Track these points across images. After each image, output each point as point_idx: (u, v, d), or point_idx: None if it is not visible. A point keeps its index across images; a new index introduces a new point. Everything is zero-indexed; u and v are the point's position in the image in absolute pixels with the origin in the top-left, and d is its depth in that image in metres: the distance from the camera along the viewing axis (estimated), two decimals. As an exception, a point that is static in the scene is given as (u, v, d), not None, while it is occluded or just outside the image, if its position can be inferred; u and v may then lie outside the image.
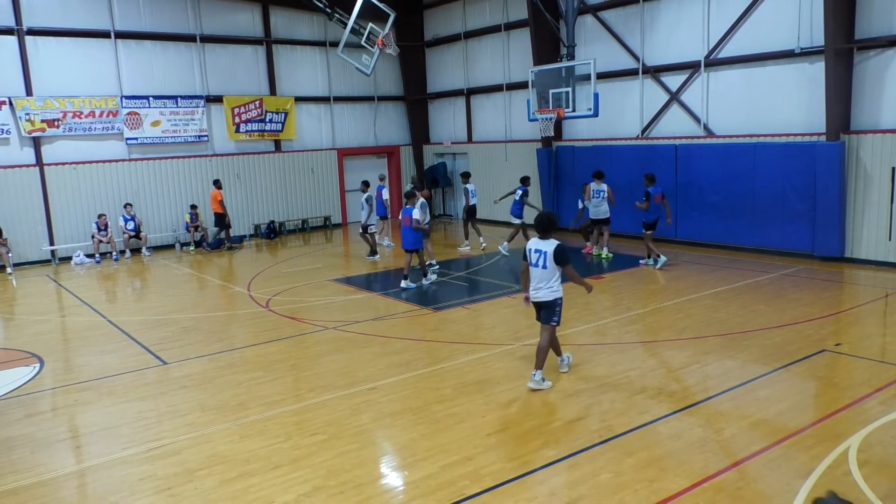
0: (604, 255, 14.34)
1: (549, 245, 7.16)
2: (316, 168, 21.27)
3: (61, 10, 16.88)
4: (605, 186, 14.24)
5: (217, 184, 18.45)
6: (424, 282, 12.76)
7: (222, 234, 18.42)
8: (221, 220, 18.28)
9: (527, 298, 7.51)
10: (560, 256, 7.09)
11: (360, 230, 15.79)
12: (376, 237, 16.13)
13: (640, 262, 13.62)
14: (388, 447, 6.25)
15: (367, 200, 15.37)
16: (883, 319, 9.67)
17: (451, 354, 8.58)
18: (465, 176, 16.32)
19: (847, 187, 12.79)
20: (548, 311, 7.31)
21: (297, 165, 21.01)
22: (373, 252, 15.72)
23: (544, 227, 7.23)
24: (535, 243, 7.32)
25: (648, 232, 13.27)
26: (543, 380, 7.30)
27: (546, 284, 7.22)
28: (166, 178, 18.67)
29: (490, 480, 5.34)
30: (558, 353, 7.83)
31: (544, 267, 7.19)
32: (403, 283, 12.43)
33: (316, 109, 21.52)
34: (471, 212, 16.03)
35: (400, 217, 12.80)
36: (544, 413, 6.61)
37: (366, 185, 15.87)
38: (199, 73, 19.06)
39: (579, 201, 15.18)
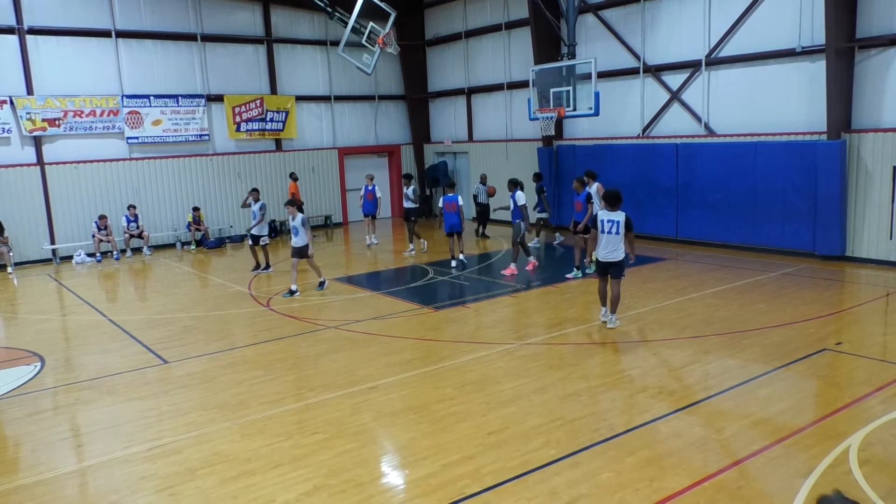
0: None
1: (620, 216, 9.00)
2: (317, 167, 21.27)
3: (62, 9, 16.89)
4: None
5: (293, 176, 19.16)
6: (453, 263, 13.99)
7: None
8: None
9: (594, 260, 9.59)
10: (629, 224, 9.00)
11: (250, 242, 14.42)
12: (370, 237, 16.24)
13: (568, 276, 12.55)
14: (389, 446, 6.26)
15: (261, 209, 14.11)
16: (884, 318, 9.67)
17: (451, 353, 8.58)
18: (407, 178, 16.72)
19: (848, 186, 12.78)
20: (618, 268, 9.16)
21: (298, 164, 21.01)
22: (257, 266, 14.45)
23: (613, 202, 9.04)
24: (606, 214, 9.09)
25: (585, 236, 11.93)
26: (616, 320, 9.27)
27: (618, 247, 9.05)
28: (167, 178, 18.68)
29: (491, 479, 5.35)
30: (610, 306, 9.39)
31: (617, 233, 9.01)
32: (454, 263, 13.86)
33: (317, 108, 21.52)
34: (407, 215, 16.12)
35: (440, 203, 14.08)
36: (545, 412, 6.61)
37: (257, 192, 14.60)
38: (200, 72, 19.07)
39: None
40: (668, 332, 9.15)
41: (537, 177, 16.19)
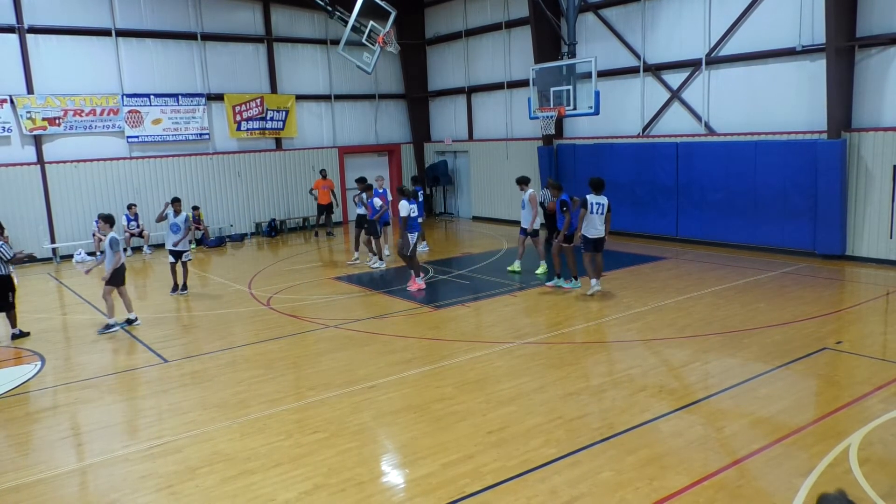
0: (516, 269, 13.01)
1: (604, 199, 10.86)
2: (317, 166, 21.24)
3: (62, 8, 16.88)
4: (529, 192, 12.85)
5: (322, 173, 19.86)
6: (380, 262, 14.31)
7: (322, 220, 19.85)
8: (328, 208, 19.61)
9: (580, 237, 10.92)
10: (610, 206, 10.96)
11: (171, 259, 12.55)
12: (383, 249, 14.56)
13: (566, 285, 11.73)
14: (389, 445, 6.26)
15: (185, 222, 12.45)
16: (884, 317, 9.67)
17: (451, 352, 8.59)
18: (362, 182, 14.52)
19: (848, 185, 12.77)
20: (602, 242, 10.97)
21: (298, 163, 21.01)
22: (175, 287, 12.73)
23: (599, 187, 10.87)
24: (594, 198, 10.80)
25: (569, 246, 11.50)
26: (598, 284, 11.02)
27: (602, 224, 10.86)
28: (167, 177, 18.68)
29: (491, 478, 5.35)
30: (597, 276, 11.12)
31: (601, 213, 10.84)
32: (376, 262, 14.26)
33: (317, 107, 21.51)
34: (359, 223, 14.74)
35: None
36: (545, 411, 6.61)
37: (178, 202, 12.62)
38: (200, 71, 19.06)
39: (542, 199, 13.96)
40: (668, 331, 9.15)
41: (414, 180, 15.69)
